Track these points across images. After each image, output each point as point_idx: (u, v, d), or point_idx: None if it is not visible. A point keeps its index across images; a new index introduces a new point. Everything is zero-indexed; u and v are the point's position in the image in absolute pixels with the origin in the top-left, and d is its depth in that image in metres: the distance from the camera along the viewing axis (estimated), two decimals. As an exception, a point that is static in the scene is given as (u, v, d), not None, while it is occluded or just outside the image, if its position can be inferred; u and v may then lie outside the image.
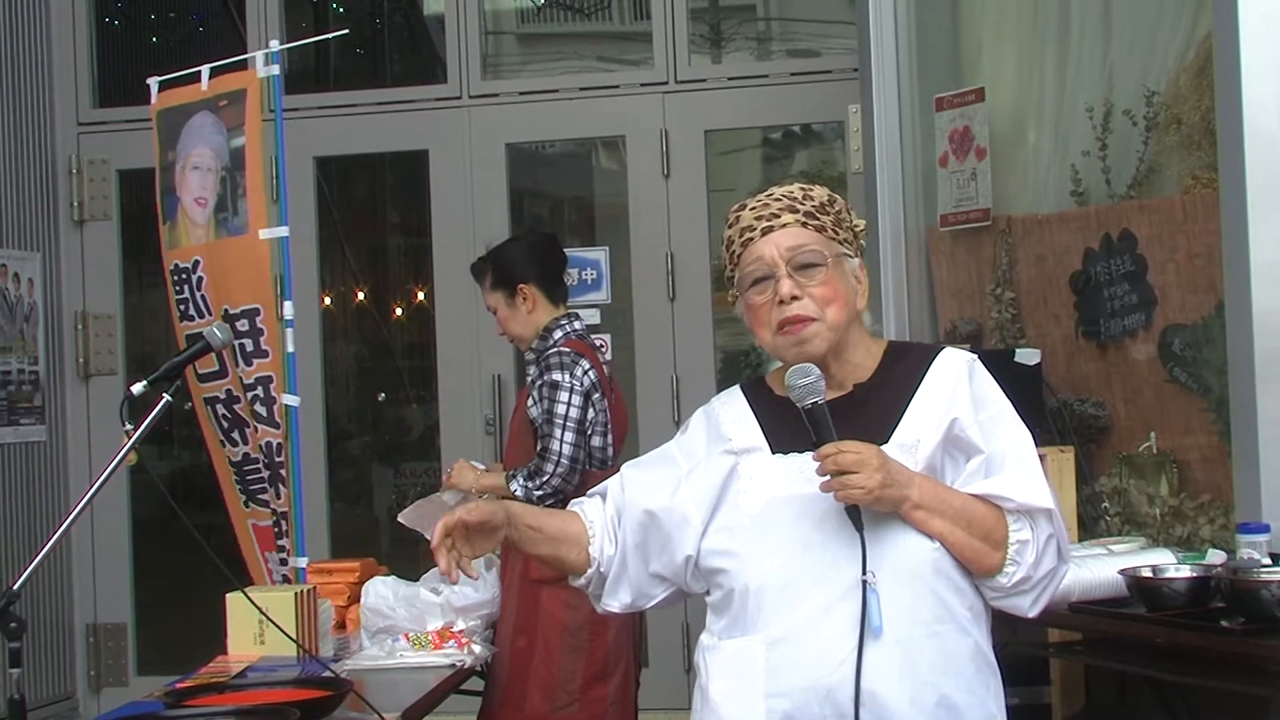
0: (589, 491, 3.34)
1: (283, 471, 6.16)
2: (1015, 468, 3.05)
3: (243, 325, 6.12)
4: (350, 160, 9.35)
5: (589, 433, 5.52)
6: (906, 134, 6.80)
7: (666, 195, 8.44)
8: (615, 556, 3.20)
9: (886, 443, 3.02)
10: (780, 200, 3.13)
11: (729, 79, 8.59)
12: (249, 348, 6.15)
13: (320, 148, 8.52)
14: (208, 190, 6.28)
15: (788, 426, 3.09)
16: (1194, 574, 4.47)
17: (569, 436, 5.42)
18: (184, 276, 6.35)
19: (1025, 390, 5.38)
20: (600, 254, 8.45)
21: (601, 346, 8.18)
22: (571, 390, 5.44)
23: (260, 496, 6.35)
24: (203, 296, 6.28)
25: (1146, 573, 4.51)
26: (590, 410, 5.51)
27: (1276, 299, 4.91)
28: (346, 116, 8.71)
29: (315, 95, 8.62)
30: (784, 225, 3.09)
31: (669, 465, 3.23)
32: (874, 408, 3.09)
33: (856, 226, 3.20)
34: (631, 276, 8.46)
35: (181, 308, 6.41)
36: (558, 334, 5.59)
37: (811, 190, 3.16)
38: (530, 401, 5.54)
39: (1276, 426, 4.88)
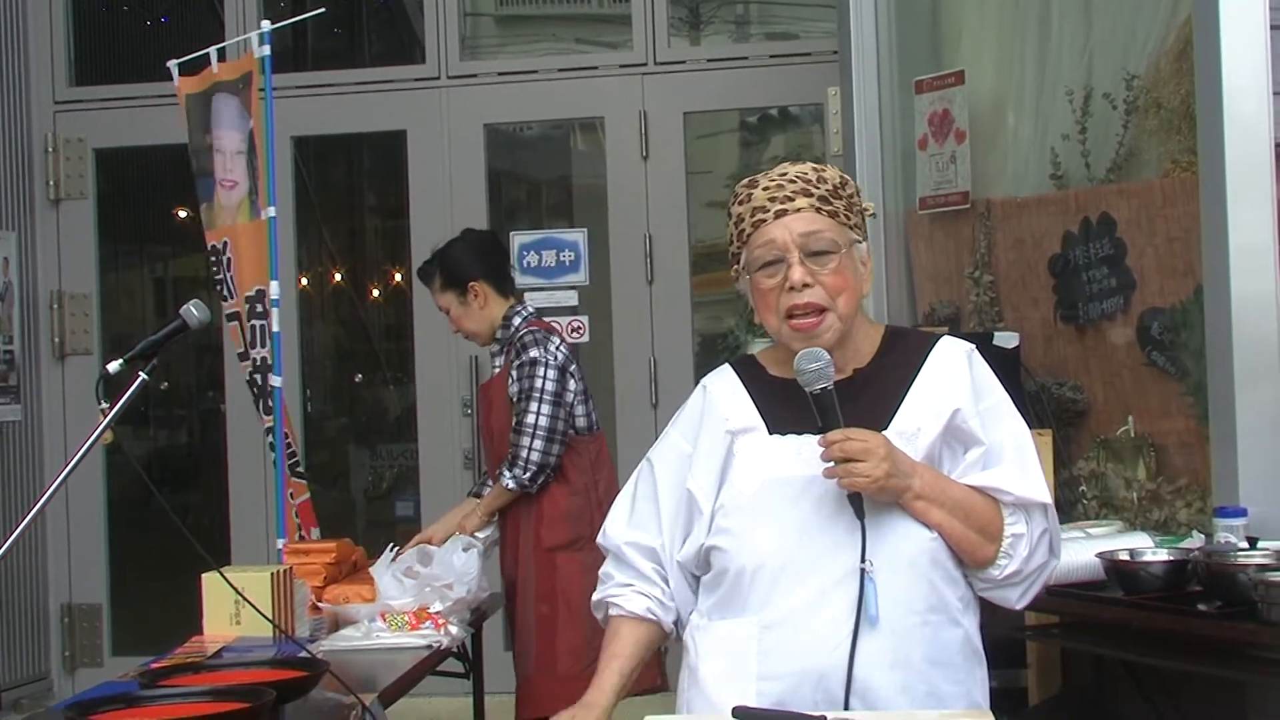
0: (601, 540, 3.30)
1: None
2: (1014, 461, 3.05)
3: (258, 308, 6.15)
4: (327, 141, 9.32)
5: (572, 403, 5.60)
6: (886, 117, 6.78)
7: (645, 177, 8.43)
8: (677, 604, 3.19)
9: (885, 429, 3.01)
10: (794, 182, 3.08)
11: (708, 61, 8.57)
12: (258, 330, 6.17)
13: (297, 128, 8.49)
14: (236, 173, 6.29)
15: (784, 407, 3.08)
16: (1171, 558, 4.47)
17: (545, 409, 5.53)
18: (217, 257, 6.37)
19: (1003, 374, 5.33)
20: (578, 236, 8.44)
21: (579, 328, 8.20)
22: (547, 365, 5.57)
23: (299, 469, 6.35)
24: (231, 278, 6.30)
25: (1124, 556, 4.51)
26: (570, 381, 5.60)
27: (1255, 283, 4.92)
28: (324, 96, 8.68)
29: (292, 75, 8.58)
30: (798, 209, 3.05)
31: (680, 456, 3.20)
32: (873, 393, 3.07)
33: (866, 209, 3.17)
34: (610, 258, 8.45)
35: (218, 288, 6.43)
36: (517, 320, 5.75)
37: (824, 171, 3.13)
38: (510, 379, 5.62)
39: (1254, 411, 4.89)
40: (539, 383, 5.54)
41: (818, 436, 2.96)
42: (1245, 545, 4.50)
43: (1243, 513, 4.63)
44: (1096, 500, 5.63)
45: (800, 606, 2.95)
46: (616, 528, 3.26)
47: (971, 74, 6.36)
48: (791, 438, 3.06)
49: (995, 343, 5.60)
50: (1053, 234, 5.92)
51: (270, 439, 6.22)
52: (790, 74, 8.34)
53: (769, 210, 3.06)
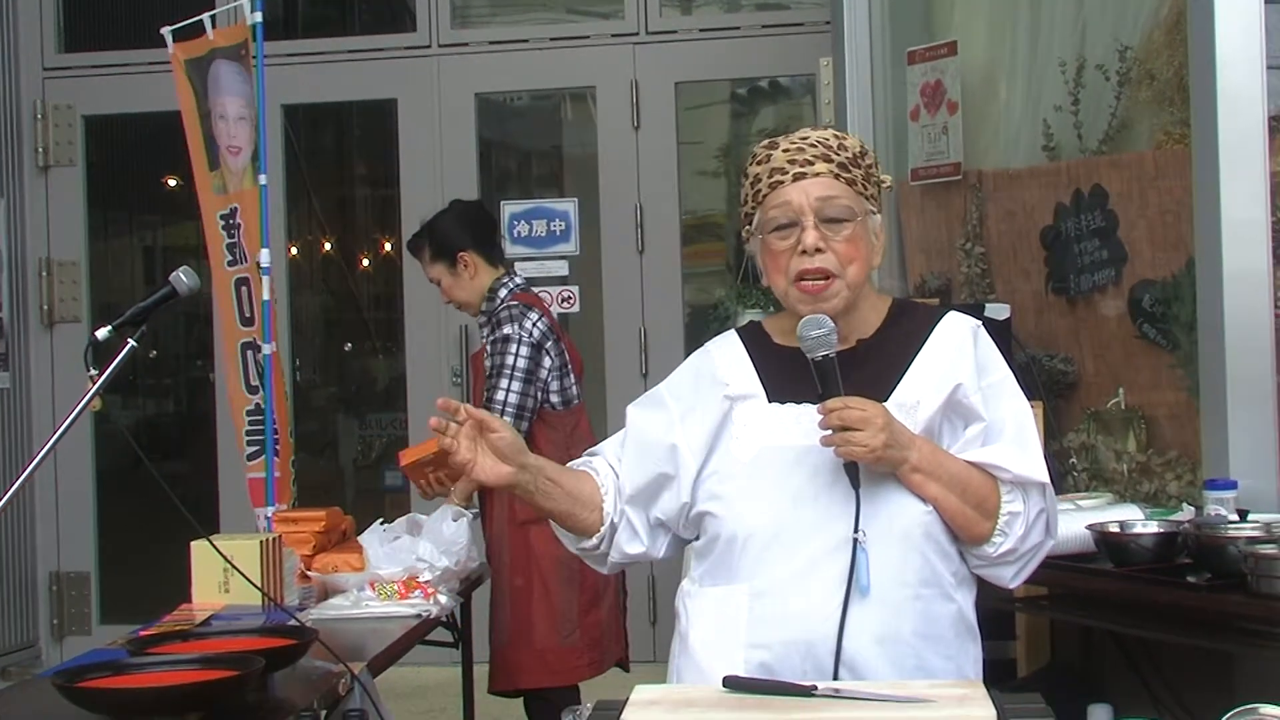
0: (590, 450, 3.31)
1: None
2: (1014, 439, 3.03)
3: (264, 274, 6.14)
4: (318, 109, 9.30)
5: (547, 379, 5.61)
6: (878, 87, 6.77)
7: (636, 147, 8.41)
8: (625, 510, 3.17)
9: (886, 401, 2.99)
10: (815, 146, 3.05)
11: (700, 31, 8.56)
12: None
13: (288, 96, 8.46)
14: (240, 139, 6.29)
15: (786, 376, 3.06)
16: (1161, 530, 4.47)
17: (515, 386, 5.55)
18: (229, 222, 6.36)
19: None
20: (569, 205, 8.43)
21: (570, 298, 8.20)
22: (520, 342, 5.57)
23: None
24: (242, 244, 6.29)
25: (1114, 528, 4.50)
26: (546, 358, 5.61)
27: (1247, 256, 4.91)
28: (314, 64, 8.66)
29: (283, 43, 8.55)
30: (817, 174, 3.02)
31: (661, 409, 3.19)
32: (876, 364, 3.05)
33: (882, 182, 3.14)
34: (600, 228, 8.44)
35: (230, 254, 6.41)
36: (503, 292, 5.75)
37: (845, 139, 3.09)
38: (485, 355, 5.66)
39: (1245, 383, 4.89)
40: (510, 360, 5.55)
41: (817, 405, 2.94)
42: (1235, 518, 4.50)
43: (1233, 485, 4.63)
44: (1086, 472, 5.63)
45: (791, 575, 2.94)
46: (606, 443, 3.29)
47: (964, 45, 6.35)
48: (791, 406, 3.04)
49: (986, 314, 5.59)
50: (1044, 206, 5.92)
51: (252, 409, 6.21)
52: (782, 44, 8.33)
53: (788, 172, 3.03)
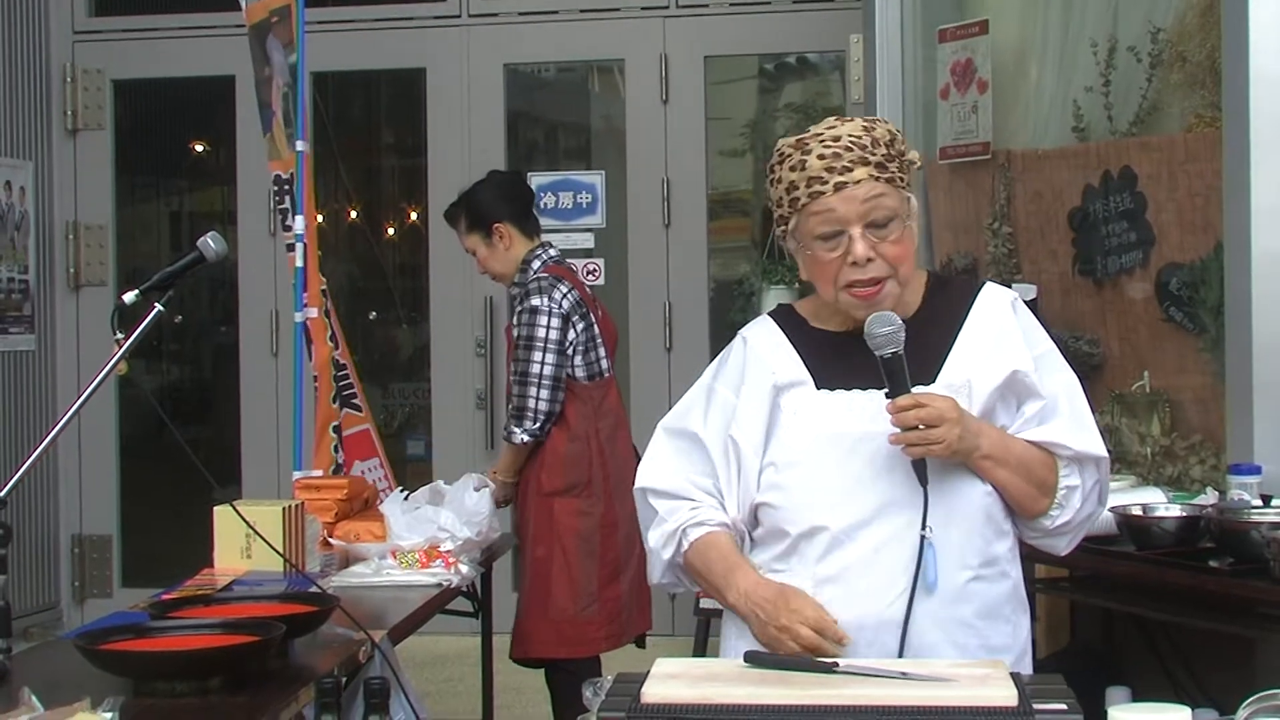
0: (656, 504, 3.14)
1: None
2: (1070, 414, 3.03)
3: None
4: (346, 77, 9.29)
5: (572, 352, 5.60)
6: (908, 65, 6.76)
7: (664, 121, 8.40)
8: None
9: (934, 381, 2.97)
10: (851, 149, 2.92)
11: (730, 5, 8.53)
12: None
13: (317, 64, 8.42)
14: (275, 105, 6.32)
15: (829, 361, 3.03)
16: (1184, 514, 4.47)
17: (550, 358, 5.56)
18: (285, 187, 6.37)
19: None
20: (596, 178, 8.42)
21: (594, 271, 8.19)
22: (550, 314, 5.57)
23: (353, 401, 6.35)
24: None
25: (1136, 511, 4.50)
26: (571, 330, 5.60)
27: (1276, 241, 4.90)
28: (343, 32, 8.65)
29: (312, 10, 8.52)
30: (858, 181, 2.91)
31: (726, 412, 3.09)
32: (920, 344, 2.98)
33: (913, 162, 3.03)
34: (627, 202, 8.43)
35: (282, 216, 6.42)
36: (535, 264, 5.75)
37: (875, 131, 2.97)
38: (513, 326, 5.65)
39: (1271, 368, 4.87)
40: (541, 331, 5.55)
41: (886, 401, 2.89)
42: (1259, 503, 4.49)
43: (1257, 470, 4.62)
44: (1110, 455, 5.62)
45: (856, 562, 2.93)
46: (660, 474, 3.14)
47: (995, 24, 6.33)
48: (840, 393, 3.00)
49: (1012, 295, 5.58)
50: (1073, 187, 5.90)
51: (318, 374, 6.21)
52: (813, 20, 8.31)
53: (828, 181, 2.92)
